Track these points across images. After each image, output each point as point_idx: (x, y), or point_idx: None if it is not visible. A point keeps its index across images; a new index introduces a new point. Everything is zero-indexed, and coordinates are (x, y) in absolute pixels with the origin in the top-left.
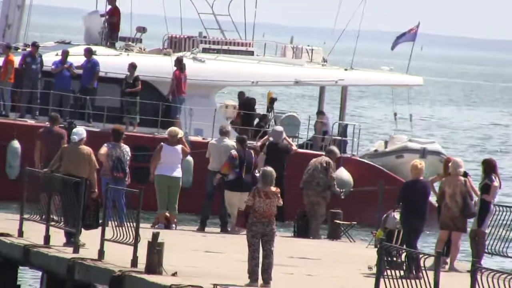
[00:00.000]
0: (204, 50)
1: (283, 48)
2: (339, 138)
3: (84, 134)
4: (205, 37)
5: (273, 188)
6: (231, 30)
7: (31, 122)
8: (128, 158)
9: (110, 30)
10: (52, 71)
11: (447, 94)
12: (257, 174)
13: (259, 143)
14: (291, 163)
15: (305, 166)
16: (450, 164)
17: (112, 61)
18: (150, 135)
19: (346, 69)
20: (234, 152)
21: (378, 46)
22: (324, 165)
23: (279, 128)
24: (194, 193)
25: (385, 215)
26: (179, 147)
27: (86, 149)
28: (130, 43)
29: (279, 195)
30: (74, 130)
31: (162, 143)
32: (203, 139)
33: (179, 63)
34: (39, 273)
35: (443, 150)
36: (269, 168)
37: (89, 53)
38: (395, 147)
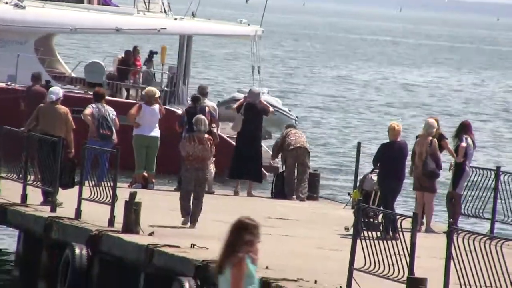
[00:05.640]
0: None
1: None
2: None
3: (61, 93)
4: None
5: (206, 135)
6: None
7: None
8: (114, 117)
9: None
10: None
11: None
12: (214, 129)
13: (235, 105)
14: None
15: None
16: (423, 125)
17: None
18: None
19: (175, 19)
20: (182, 110)
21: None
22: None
23: (257, 89)
24: None
25: (362, 176)
26: (156, 107)
27: (63, 108)
28: None
29: (211, 141)
30: (51, 89)
31: (140, 103)
32: (7, 84)
33: None
34: (16, 232)
35: (275, 102)
36: (202, 116)
37: None
38: (227, 98)
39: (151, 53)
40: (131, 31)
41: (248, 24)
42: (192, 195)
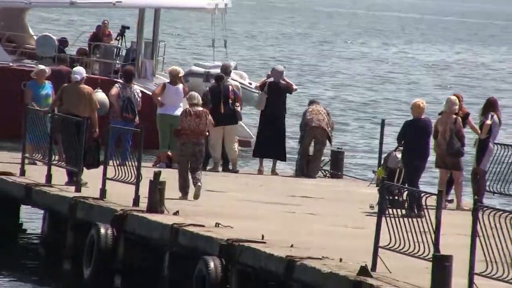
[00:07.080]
0: None
1: None
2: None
3: (85, 73)
4: None
5: (200, 108)
6: None
7: None
8: (139, 99)
9: None
10: None
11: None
12: (238, 108)
13: (258, 83)
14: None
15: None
16: (444, 103)
17: None
18: None
19: None
20: (206, 88)
21: None
22: (327, 110)
23: (280, 67)
24: None
25: (386, 154)
26: (180, 86)
27: (87, 88)
28: None
29: (207, 114)
30: (75, 69)
31: (165, 83)
32: None
33: None
34: (41, 212)
35: (239, 77)
36: (195, 92)
37: None
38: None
39: (123, 28)
40: (86, 5)
41: None
42: (188, 170)
